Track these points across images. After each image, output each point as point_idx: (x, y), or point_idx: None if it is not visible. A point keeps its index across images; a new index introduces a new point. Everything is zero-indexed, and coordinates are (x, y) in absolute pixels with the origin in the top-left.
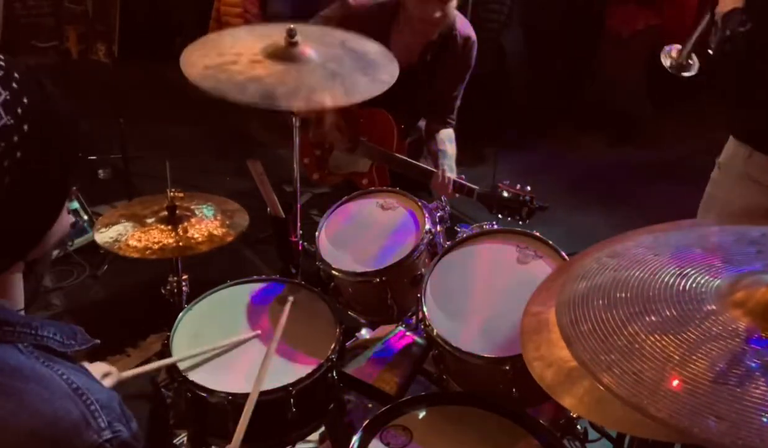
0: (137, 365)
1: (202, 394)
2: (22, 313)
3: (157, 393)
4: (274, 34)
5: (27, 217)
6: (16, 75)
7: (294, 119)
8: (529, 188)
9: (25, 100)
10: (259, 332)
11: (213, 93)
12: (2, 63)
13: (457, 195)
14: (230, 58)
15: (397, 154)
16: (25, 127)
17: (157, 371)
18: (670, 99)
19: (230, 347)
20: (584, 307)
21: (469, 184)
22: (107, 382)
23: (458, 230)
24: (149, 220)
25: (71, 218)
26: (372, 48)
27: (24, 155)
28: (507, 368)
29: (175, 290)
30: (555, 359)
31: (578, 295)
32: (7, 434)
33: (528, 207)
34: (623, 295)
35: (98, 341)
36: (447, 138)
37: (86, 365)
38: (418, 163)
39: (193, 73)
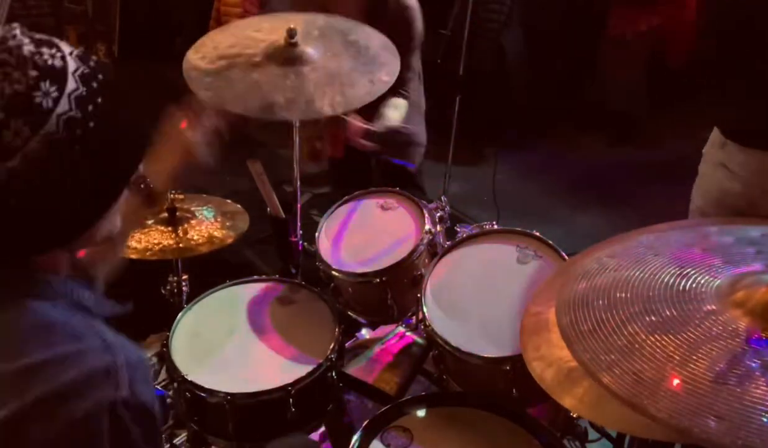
0: None
1: (202, 394)
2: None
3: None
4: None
5: (78, 196)
6: (99, 76)
7: (294, 120)
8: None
9: (99, 101)
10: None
11: (212, 103)
12: (92, 63)
13: (367, 143)
14: (230, 61)
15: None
16: (91, 124)
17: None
18: (670, 99)
19: None
20: (584, 307)
21: (369, 125)
22: None
23: (458, 229)
24: (149, 222)
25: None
26: (375, 41)
27: (95, 127)
28: (507, 368)
29: (175, 290)
30: (555, 359)
31: (578, 295)
32: (37, 377)
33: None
34: (623, 295)
35: (130, 306)
36: (391, 104)
37: None
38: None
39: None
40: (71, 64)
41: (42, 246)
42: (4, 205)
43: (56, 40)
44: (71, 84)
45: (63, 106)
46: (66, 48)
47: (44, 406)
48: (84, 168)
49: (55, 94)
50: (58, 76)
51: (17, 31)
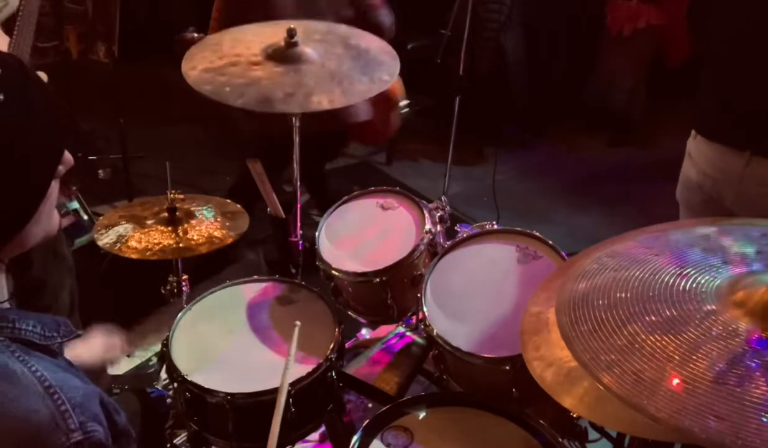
0: (137, 366)
1: (202, 394)
2: (6, 305)
3: (143, 393)
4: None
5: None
6: None
7: (294, 119)
8: None
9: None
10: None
11: (211, 97)
12: None
13: None
14: (230, 59)
15: None
16: (1, 96)
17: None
18: (669, 99)
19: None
20: (584, 307)
21: None
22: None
23: (458, 229)
24: (149, 222)
25: (65, 220)
26: (374, 45)
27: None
28: (507, 368)
29: (175, 290)
30: (555, 359)
31: (578, 295)
32: None
33: None
34: (623, 295)
35: (81, 333)
36: None
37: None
38: None
39: (192, 76)
40: None
41: None
42: None
43: None
44: None
45: None
46: None
47: None
48: (7, 157)
49: None
50: None
51: None
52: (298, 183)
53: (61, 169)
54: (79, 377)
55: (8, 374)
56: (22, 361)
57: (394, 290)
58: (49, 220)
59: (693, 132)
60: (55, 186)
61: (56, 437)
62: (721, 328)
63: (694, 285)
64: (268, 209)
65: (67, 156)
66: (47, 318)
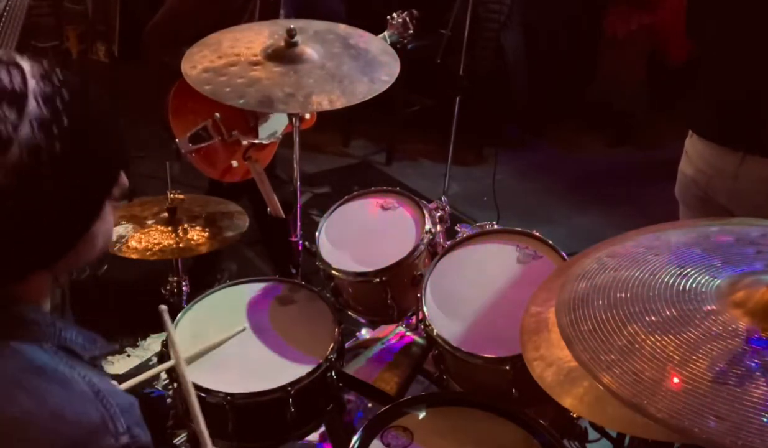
0: (137, 366)
1: (201, 394)
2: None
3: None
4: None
5: (56, 222)
6: (64, 94)
7: (294, 119)
8: None
9: (65, 122)
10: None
11: (211, 97)
12: (56, 79)
13: None
14: (229, 59)
15: None
16: (58, 146)
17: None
18: (670, 99)
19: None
20: (584, 307)
21: None
22: None
23: (458, 229)
24: (149, 222)
25: (112, 239)
26: (374, 46)
27: (62, 150)
28: (507, 368)
29: (175, 290)
30: (555, 359)
31: (578, 295)
32: (27, 433)
33: None
34: (623, 295)
35: (117, 347)
36: None
37: None
38: None
39: (192, 76)
40: (32, 85)
41: (20, 271)
42: None
43: (17, 57)
44: (32, 106)
45: (24, 131)
46: (26, 65)
47: None
48: (56, 194)
49: (14, 120)
50: (18, 99)
51: None
52: (298, 183)
53: (116, 191)
54: (118, 388)
55: (59, 377)
56: (71, 366)
57: (394, 290)
58: (103, 240)
59: (690, 131)
60: (109, 208)
61: (106, 440)
62: (721, 328)
63: (694, 285)
64: (268, 209)
65: (123, 179)
66: (84, 331)
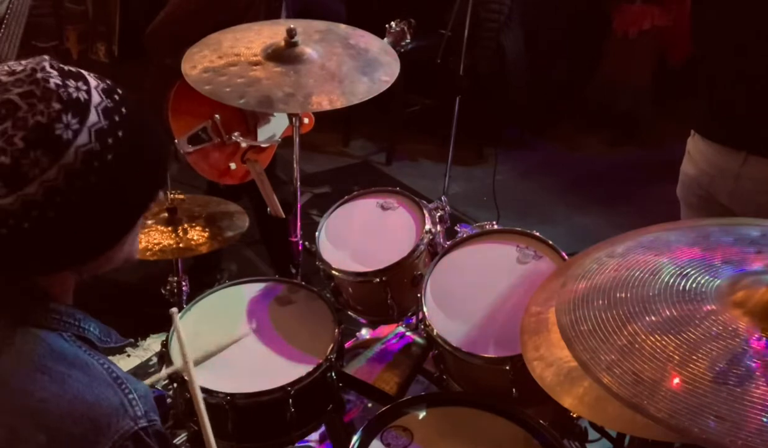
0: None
1: (201, 394)
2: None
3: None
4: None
5: (95, 226)
6: (123, 110)
7: (294, 119)
8: None
9: (120, 134)
10: (254, 326)
11: (211, 97)
12: (116, 96)
13: None
14: (230, 59)
15: None
16: (110, 157)
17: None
18: (671, 99)
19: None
20: (584, 307)
21: None
22: None
23: (458, 229)
24: (149, 222)
25: (138, 250)
26: (374, 46)
27: (113, 160)
28: (507, 368)
29: (175, 290)
30: (555, 359)
31: (578, 295)
32: (49, 414)
33: None
34: (623, 295)
35: (132, 340)
36: None
37: None
38: None
39: (192, 76)
40: (95, 98)
41: (53, 267)
42: (19, 229)
43: (84, 73)
44: (93, 117)
45: (83, 138)
46: (93, 81)
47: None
48: (100, 199)
49: (75, 127)
50: (81, 109)
51: (46, 64)
52: (298, 183)
53: (152, 205)
54: (133, 377)
55: (80, 363)
56: (90, 354)
57: (394, 290)
58: (131, 247)
59: (692, 130)
60: (141, 221)
61: (125, 422)
62: (721, 328)
63: (694, 285)
64: (268, 209)
65: (161, 196)
66: (101, 324)
